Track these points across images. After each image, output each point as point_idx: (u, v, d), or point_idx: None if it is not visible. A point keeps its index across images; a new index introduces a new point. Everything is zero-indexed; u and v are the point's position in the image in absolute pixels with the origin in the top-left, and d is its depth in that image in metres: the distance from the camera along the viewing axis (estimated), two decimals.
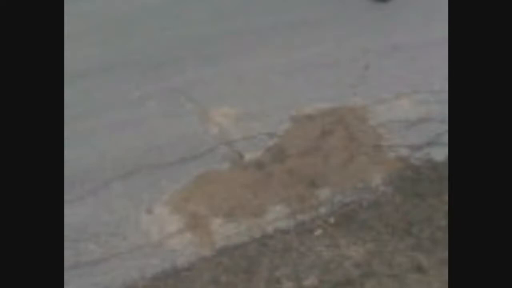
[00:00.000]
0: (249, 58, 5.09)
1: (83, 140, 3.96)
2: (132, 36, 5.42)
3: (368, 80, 4.63)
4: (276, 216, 3.33)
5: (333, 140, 3.90)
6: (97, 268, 3.04)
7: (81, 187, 3.55)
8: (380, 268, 2.99)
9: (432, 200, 3.36)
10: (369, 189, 3.50)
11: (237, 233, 3.24)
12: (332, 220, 3.28)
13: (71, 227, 3.22)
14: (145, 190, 3.55)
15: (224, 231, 3.25)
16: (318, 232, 3.21)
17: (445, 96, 4.26)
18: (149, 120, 4.23)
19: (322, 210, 3.36)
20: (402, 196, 3.42)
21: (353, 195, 3.46)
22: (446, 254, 3.00)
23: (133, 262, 3.06)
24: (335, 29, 5.55)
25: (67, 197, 3.36)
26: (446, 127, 3.94)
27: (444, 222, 3.20)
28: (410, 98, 4.35)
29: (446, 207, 3.28)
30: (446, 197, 3.36)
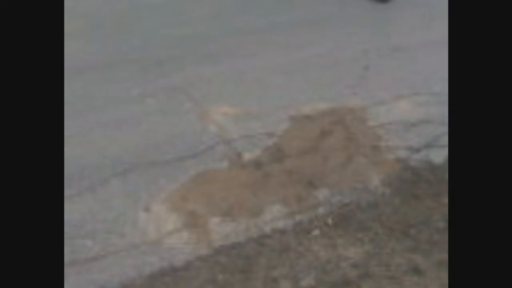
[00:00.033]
0: (249, 57, 5.09)
1: (82, 137, 3.96)
2: (132, 33, 5.42)
3: (368, 81, 4.64)
4: (274, 216, 3.32)
5: (332, 141, 3.90)
6: (94, 265, 3.02)
7: (78, 183, 3.54)
8: (377, 270, 2.98)
9: (430, 202, 3.36)
10: (367, 190, 3.49)
11: (235, 232, 3.23)
12: (330, 220, 3.28)
13: (68, 223, 3.21)
14: (143, 188, 3.54)
15: (222, 230, 3.24)
16: (316, 232, 3.21)
17: (444, 98, 4.27)
18: (148, 118, 4.22)
19: (320, 210, 3.35)
20: (401, 198, 3.41)
21: (352, 195, 3.45)
22: (443, 256, 2.99)
23: (130, 260, 3.05)
24: (335, 29, 5.56)
25: (64, 193, 3.35)
26: (445, 129, 3.94)
27: (442, 224, 3.20)
28: (410, 99, 4.35)
29: (444, 209, 3.28)
30: (444, 199, 3.35)
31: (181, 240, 3.18)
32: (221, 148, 3.87)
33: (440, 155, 3.74)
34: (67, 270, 2.94)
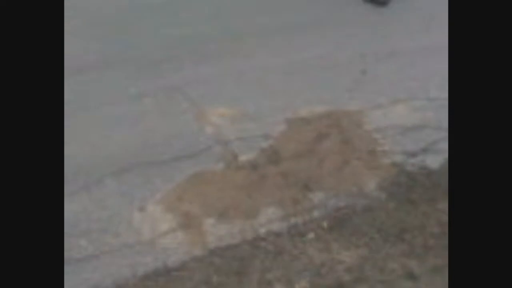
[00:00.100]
0: (247, 58, 5.08)
1: (78, 136, 3.94)
2: (131, 33, 5.40)
3: (365, 84, 4.64)
4: (269, 218, 3.32)
5: (328, 144, 3.90)
6: (87, 264, 3.02)
7: (73, 182, 3.52)
8: (372, 274, 2.98)
9: (425, 207, 3.37)
10: (363, 194, 3.50)
11: (230, 234, 3.22)
12: (325, 224, 3.28)
13: None
14: (139, 187, 3.53)
15: (217, 232, 3.24)
16: (311, 235, 3.21)
17: (441, 103, 4.27)
18: (145, 118, 4.21)
19: (316, 213, 3.35)
20: (396, 202, 3.42)
21: (347, 199, 3.46)
22: (438, 261, 3.00)
23: (124, 260, 3.05)
24: (333, 32, 5.55)
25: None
26: (441, 134, 3.94)
27: (437, 229, 3.20)
28: (407, 104, 4.36)
29: (439, 215, 3.29)
30: (439, 205, 3.36)
31: (175, 241, 3.18)
32: (218, 149, 3.86)
33: (436, 160, 3.74)
34: None
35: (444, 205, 3.33)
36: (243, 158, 3.78)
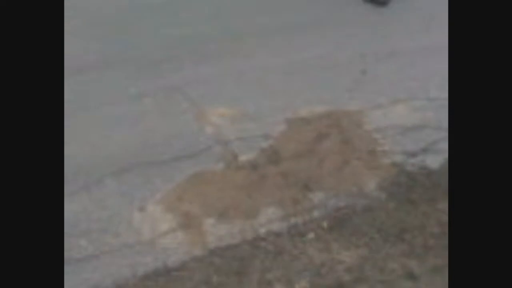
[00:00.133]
0: (247, 58, 5.08)
1: (78, 135, 3.94)
2: (130, 32, 5.40)
3: (365, 84, 4.64)
4: (269, 218, 3.32)
5: (328, 144, 3.90)
6: (87, 264, 3.02)
7: (73, 182, 3.52)
8: (371, 274, 2.98)
9: (425, 207, 3.36)
10: (363, 194, 3.50)
11: (230, 234, 3.22)
12: (325, 224, 3.28)
13: None
14: (139, 187, 3.53)
15: (217, 232, 3.24)
16: (311, 235, 3.21)
17: (441, 103, 4.27)
18: (145, 118, 4.21)
19: (316, 213, 3.35)
20: (396, 202, 3.41)
21: (347, 199, 3.46)
22: (438, 261, 3.00)
23: (124, 260, 3.05)
24: (333, 32, 5.55)
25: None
26: (441, 134, 3.94)
27: (437, 229, 3.20)
28: (407, 104, 4.36)
29: (439, 215, 3.29)
30: (439, 205, 3.36)
31: (175, 241, 3.18)
32: (218, 149, 3.86)
33: (436, 161, 3.74)
34: None
35: (444, 205, 3.33)
36: (243, 158, 3.78)
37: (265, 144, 3.90)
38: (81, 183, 3.52)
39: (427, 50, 5.13)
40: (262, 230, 3.25)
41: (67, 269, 2.92)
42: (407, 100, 4.40)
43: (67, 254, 3.02)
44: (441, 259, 3.02)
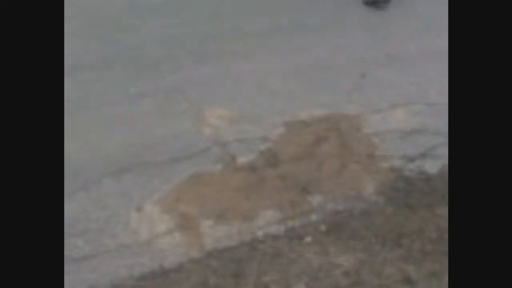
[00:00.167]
0: (246, 59, 5.09)
1: (77, 135, 3.94)
2: (131, 32, 5.41)
3: (364, 88, 4.64)
4: (267, 221, 3.32)
5: (327, 147, 3.90)
6: (84, 264, 3.01)
7: (71, 182, 3.52)
8: (369, 278, 2.98)
9: (423, 212, 3.36)
10: (361, 198, 3.49)
11: (227, 236, 3.22)
12: (323, 227, 3.27)
13: None
14: (137, 188, 3.52)
15: (214, 233, 3.23)
16: (309, 239, 3.20)
17: (440, 108, 4.27)
18: (143, 118, 4.21)
19: (314, 217, 3.35)
20: (394, 207, 3.41)
21: (345, 203, 3.45)
22: (436, 266, 3.00)
23: (121, 260, 3.04)
24: (333, 35, 5.56)
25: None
26: (440, 139, 3.94)
27: (435, 234, 3.20)
28: (406, 108, 4.35)
29: (438, 220, 3.28)
30: (438, 210, 3.36)
31: (173, 242, 3.17)
32: (216, 151, 3.86)
33: (434, 166, 3.74)
34: None
35: (442, 210, 3.33)
36: (242, 160, 3.78)
37: (264, 146, 3.90)
38: (80, 183, 3.52)
39: (427, 54, 5.14)
40: (260, 233, 3.24)
41: (64, 268, 2.92)
42: (406, 104, 4.39)
43: (64, 253, 3.01)
44: (439, 264, 3.01)
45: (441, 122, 4.05)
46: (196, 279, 2.94)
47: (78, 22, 5.41)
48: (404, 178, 3.65)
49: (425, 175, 3.68)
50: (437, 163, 3.75)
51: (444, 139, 3.89)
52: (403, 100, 4.45)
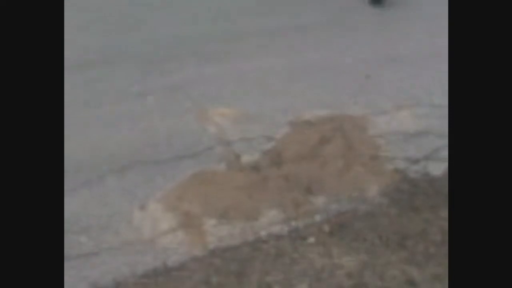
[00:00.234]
0: (249, 59, 5.09)
1: (79, 131, 3.93)
2: (134, 31, 5.41)
3: (369, 89, 4.63)
4: (270, 221, 3.30)
5: (331, 148, 3.88)
6: (87, 261, 3.00)
7: (74, 178, 3.51)
8: (372, 280, 2.96)
9: (427, 215, 3.35)
10: (365, 199, 3.48)
11: (230, 235, 3.21)
12: (326, 228, 3.26)
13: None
14: (139, 186, 3.51)
15: (217, 232, 3.22)
16: (312, 239, 3.19)
17: (445, 110, 4.25)
18: (146, 116, 4.20)
19: (317, 217, 3.33)
20: (398, 209, 3.40)
21: (349, 204, 3.44)
22: (439, 269, 2.98)
23: (124, 258, 3.03)
24: (337, 36, 5.56)
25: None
26: (444, 141, 3.93)
27: (439, 237, 3.18)
28: (410, 110, 4.34)
29: (442, 222, 3.27)
30: (442, 212, 3.34)
31: (175, 240, 3.16)
32: (220, 150, 3.85)
33: (438, 168, 3.72)
34: None
35: (446, 212, 3.31)
36: (245, 159, 3.76)
37: (268, 146, 3.89)
38: (82, 180, 3.51)
39: (431, 56, 5.13)
40: (263, 232, 3.23)
41: (66, 265, 2.91)
42: (410, 106, 4.39)
43: (66, 250, 3.00)
44: (442, 267, 3.00)
45: (446, 124, 3.99)
46: (199, 278, 2.93)
47: (80, 20, 5.41)
48: (408, 180, 3.64)
49: (429, 177, 3.67)
50: (441, 165, 3.74)
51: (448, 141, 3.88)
52: (408, 102, 4.44)
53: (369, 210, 3.40)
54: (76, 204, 3.34)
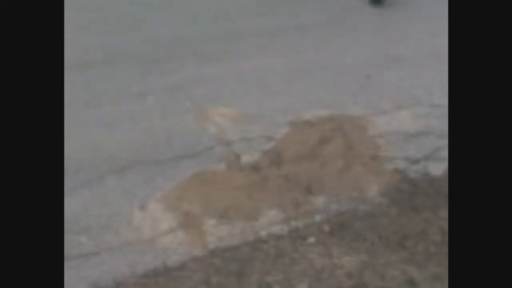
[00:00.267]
0: (249, 59, 5.08)
1: (79, 131, 3.93)
2: (134, 30, 5.41)
3: (369, 89, 4.63)
4: (270, 221, 3.30)
5: (331, 148, 3.88)
6: (87, 261, 3.00)
7: (74, 178, 3.51)
8: (372, 280, 2.96)
9: (427, 215, 3.35)
10: (365, 199, 3.48)
11: (230, 235, 3.20)
12: (326, 228, 3.26)
13: None
14: (139, 186, 3.51)
15: (217, 232, 3.22)
16: (312, 239, 3.19)
17: (445, 110, 4.25)
18: (146, 116, 4.20)
19: (317, 217, 3.33)
20: (398, 209, 3.40)
21: (349, 204, 3.44)
22: (439, 269, 2.98)
23: (124, 258, 3.03)
24: (337, 36, 5.55)
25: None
26: (444, 142, 3.92)
27: (439, 237, 3.19)
28: (410, 110, 4.34)
29: (442, 222, 3.27)
30: (442, 212, 3.34)
31: (175, 240, 3.16)
32: (220, 150, 3.85)
33: (439, 168, 3.72)
34: None
35: (446, 212, 3.31)
36: (245, 159, 3.76)
37: (268, 145, 3.89)
38: (82, 180, 3.51)
39: (431, 56, 5.13)
40: (263, 232, 3.23)
41: (66, 265, 2.91)
42: (411, 106, 4.39)
43: (66, 250, 3.00)
44: (442, 267, 3.00)
45: (446, 124, 4.00)
46: (199, 278, 2.93)
47: (81, 20, 5.40)
48: (408, 180, 3.64)
49: (429, 177, 3.67)
50: (441, 165, 3.74)
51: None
52: (408, 102, 4.44)
53: (369, 210, 3.40)
54: (76, 204, 3.34)
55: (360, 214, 3.37)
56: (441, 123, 4.13)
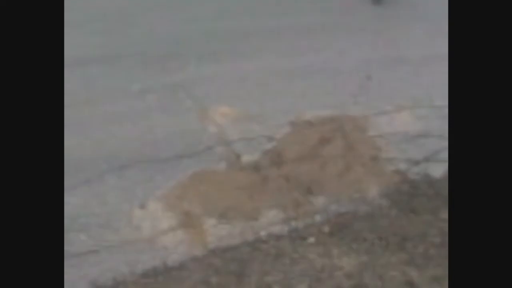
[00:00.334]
0: (251, 59, 5.09)
1: (79, 129, 3.93)
2: (135, 28, 5.41)
3: (370, 90, 4.63)
4: (270, 221, 3.30)
5: (331, 148, 3.88)
6: (86, 260, 2.99)
7: (74, 176, 3.50)
8: (371, 281, 2.96)
9: (427, 216, 3.34)
10: (365, 200, 3.48)
11: (230, 234, 3.20)
12: (326, 228, 3.26)
13: None
14: (139, 184, 3.51)
15: (217, 232, 3.22)
16: (312, 240, 3.19)
17: (445, 111, 4.24)
18: (147, 114, 4.20)
19: (317, 218, 3.33)
20: (398, 210, 3.39)
21: (349, 205, 3.44)
22: (438, 271, 2.98)
23: (123, 256, 3.02)
24: (339, 37, 5.56)
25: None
26: (445, 143, 3.92)
27: (438, 239, 3.18)
28: (411, 111, 4.35)
29: (441, 224, 3.27)
30: (441, 214, 3.34)
31: (175, 240, 3.15)
32: (220, 149, 3.85)
33: (439, 169, 3.72)
34: None
35: (446, 214, 3.31)
36: (246, 159, 3.76)
37: (268, 145, 3.89)
38: (82, 179, 3.51)
39: (432, 57, 5.13)
40: (263, 233, 3.23)
41: (66, 263, 2.89)
42: (411, 107, 4.39)
43: (66, 248, 2.99)
44: (442, 268, 2.99)
45: (446, 125, 4.01)
46: (198, 278, 2.92)
47: (82, 17, 5.40)
48: (409, 181, 3.64)
49: (429, 178, 3.67)
50: (442, 166, 3.73)
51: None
52: (408, 103, 4.44)
53: (369, 211, 3.39)
54: (76, 203, 3.33)
55: (360, 215, 3.37)
56: (441, 124, 4.13)
